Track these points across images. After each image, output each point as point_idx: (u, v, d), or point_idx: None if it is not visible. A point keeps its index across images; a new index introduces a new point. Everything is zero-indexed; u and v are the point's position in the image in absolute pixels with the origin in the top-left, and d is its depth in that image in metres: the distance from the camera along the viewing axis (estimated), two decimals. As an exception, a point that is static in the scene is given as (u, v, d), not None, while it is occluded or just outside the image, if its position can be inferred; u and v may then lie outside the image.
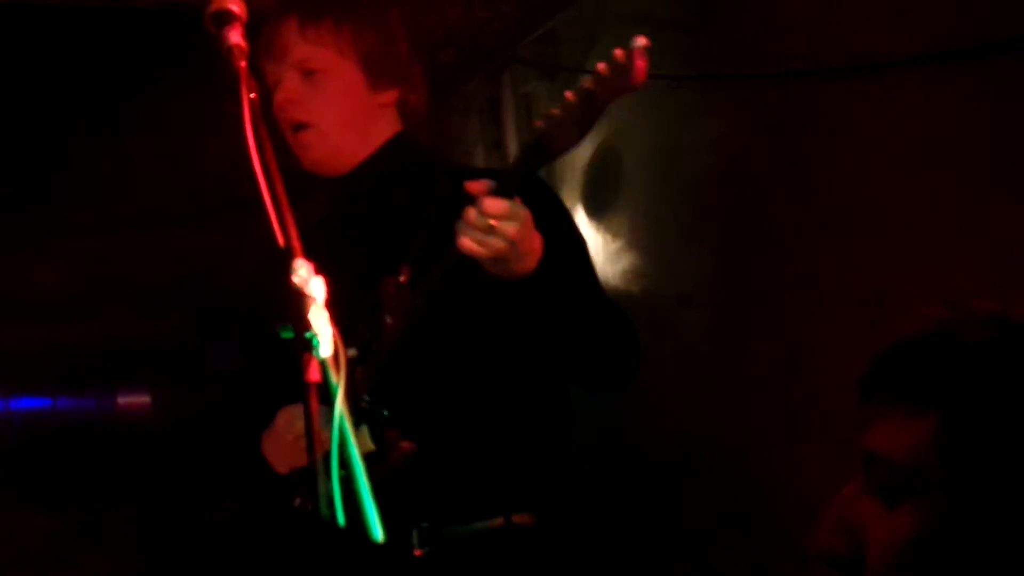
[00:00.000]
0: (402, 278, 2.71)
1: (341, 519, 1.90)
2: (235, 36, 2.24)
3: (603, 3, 4.54)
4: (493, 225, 2.46)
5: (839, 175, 3.70)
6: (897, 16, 3.51)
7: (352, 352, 2.68)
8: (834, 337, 3.57)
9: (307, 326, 1.99)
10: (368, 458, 2.02)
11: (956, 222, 3.31)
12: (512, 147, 5.08)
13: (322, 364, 2.00)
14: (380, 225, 2.90)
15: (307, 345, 1.99)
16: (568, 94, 2.41)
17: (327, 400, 2.08)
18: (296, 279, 2.00)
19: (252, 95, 2.22)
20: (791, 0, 3.87)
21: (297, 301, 2.01)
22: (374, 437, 2.60)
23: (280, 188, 2.11)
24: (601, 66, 2.36)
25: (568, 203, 4.53)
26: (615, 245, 4.67)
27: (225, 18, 2.24)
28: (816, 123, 3.79)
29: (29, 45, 4.70)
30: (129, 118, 4.26)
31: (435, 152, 3.16)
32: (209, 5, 2.27)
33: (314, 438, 1.99)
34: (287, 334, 2.02)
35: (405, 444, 2.59)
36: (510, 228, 2.49)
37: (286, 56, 2.91)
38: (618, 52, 2.34)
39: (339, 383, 2.01)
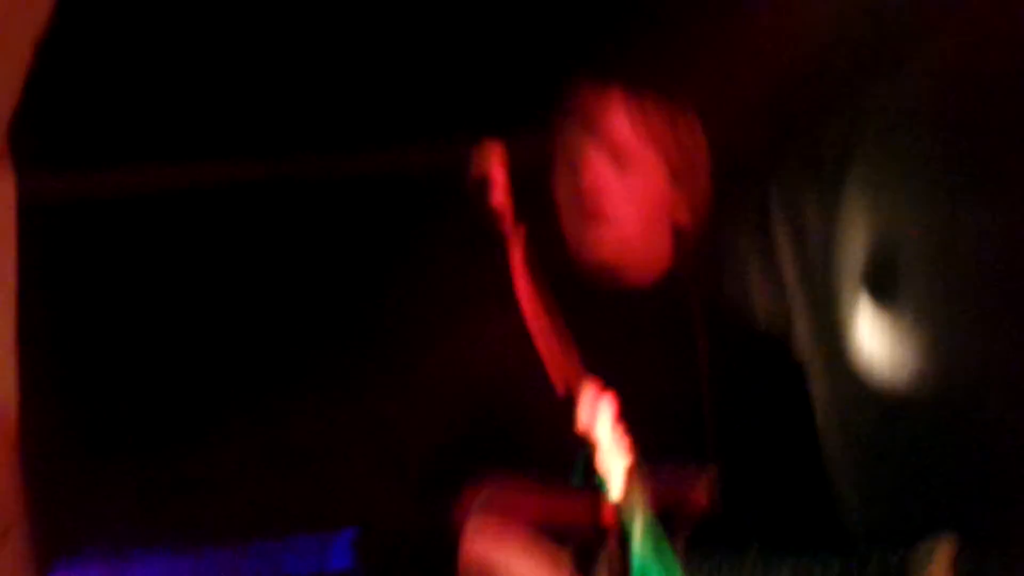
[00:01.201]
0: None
1: None
2: (497, 197, 2.23)
3: (861, 113, 4.57)
4: None
5: None
6: None
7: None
8: None
9: (594, 466, 2.01)
10: None
11: None
12: (787, 258, 5.07)
13: (620, 509, 2.01)
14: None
15: (596, 489, 2.00)
16: None
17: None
18: (582, 415, 2.01)
19: (520, 252, 2.21)
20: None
21: (584, 447, 2.03)
22: None
23: (559, 331, 2.09)
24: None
25: (849, 291, 4.65)
26: (897, 331, 4.63)
27: (485, 183, 2.23)
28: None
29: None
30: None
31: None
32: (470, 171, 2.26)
33: None
34: (577, 481, 2.03)
35: None
36: None
37: (599, 130, 2.59)
38: None
39: (635, 527, 2.02)
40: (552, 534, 2.51)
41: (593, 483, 2.03)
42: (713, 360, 2.53)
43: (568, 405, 2.05)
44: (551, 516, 2.55)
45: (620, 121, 2.57)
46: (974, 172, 4.12)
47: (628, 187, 2.58)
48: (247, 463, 5.56)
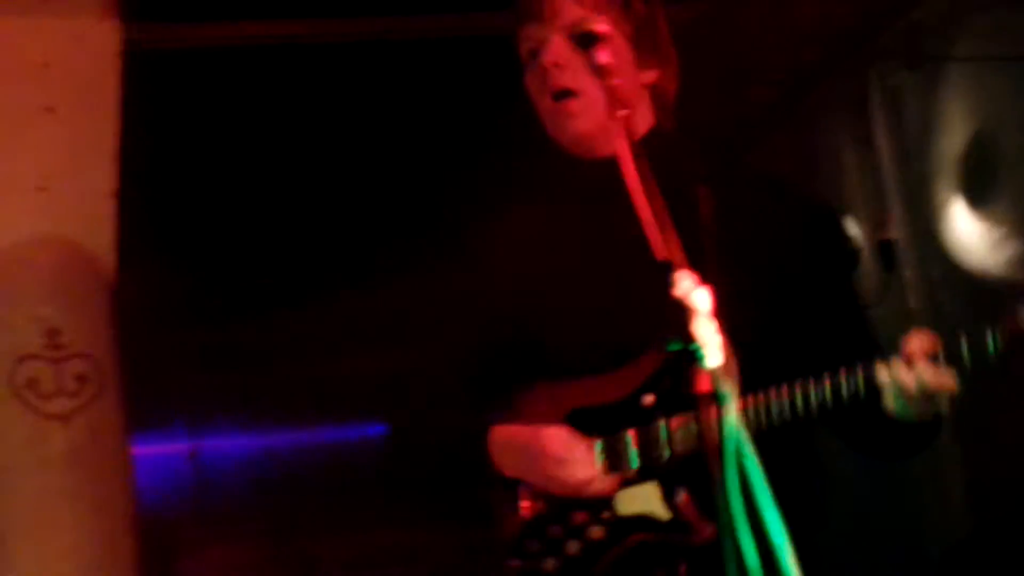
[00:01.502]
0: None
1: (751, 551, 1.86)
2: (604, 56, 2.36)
3: None
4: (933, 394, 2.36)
5: None
6: None
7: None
8: None
9: (691, 337, 1.98)
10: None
11: None
12: (883, 143, 5.01)
13: (714, 375, 1.98)
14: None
15: (693, 357, 1.97)
16: None
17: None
18: (679, 291, 1.99)
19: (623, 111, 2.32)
20: None
21: (681, 313, 1.99)
22: None
23: (658, 200, 2.13)
24: None
25: (943, 192, 4.70)
26: (997, 234, 4.56)
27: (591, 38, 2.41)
28: None
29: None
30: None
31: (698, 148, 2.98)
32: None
33: (715, 451, 1.98)
34: (675, 346, 2.04)
35: None
36: (944, 402, 2.38)
37: (555, 18, 2.73)
38: None
39: (731, 392, 1.98)
40: (584, 425, 2.60)
41: (690, 350, 1.98)
42: (718, 212, 2.55)
43: (666, 272, 2.03)
44: (588, 398, 2.65)
45: (567, 5, 2.70)
46: None
47: (587, 59, 2.64)
48: (305, 345, 5.89)
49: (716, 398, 1.96)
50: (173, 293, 5.44)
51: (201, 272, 5.71)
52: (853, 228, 5.06)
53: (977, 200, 4.60)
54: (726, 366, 1.98)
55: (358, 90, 5.07)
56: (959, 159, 4.65)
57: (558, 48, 2.69)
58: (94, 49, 4.24)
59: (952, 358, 2.32)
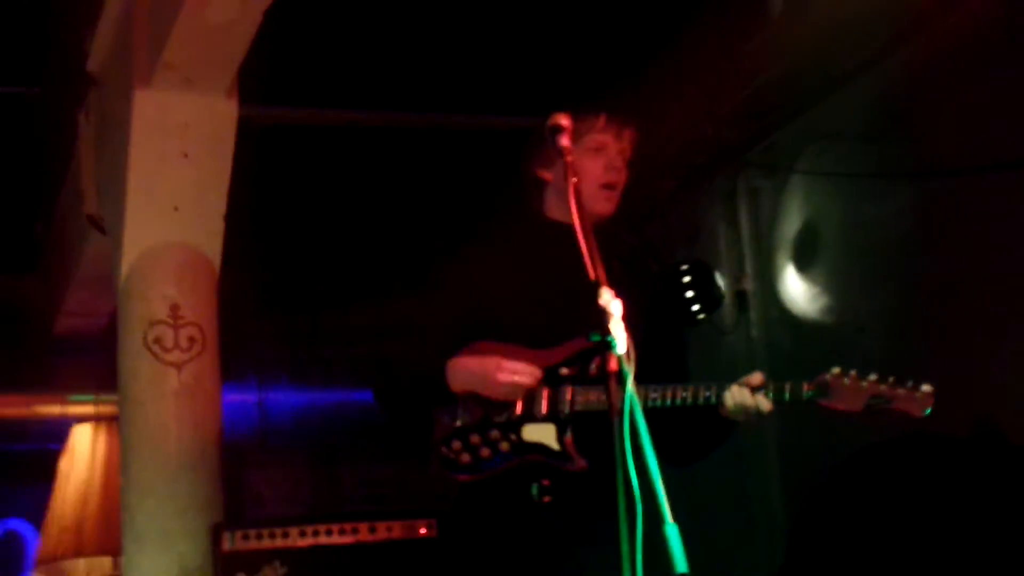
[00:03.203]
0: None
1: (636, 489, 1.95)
2: (564, 140, 2.51)
3: (810, 122, 4.71)
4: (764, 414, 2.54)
5: (998, 238, 3.80)
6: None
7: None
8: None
9: (608, 332, 2.14)
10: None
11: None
12: (744, 228, 5.17)
13: (619, 359, 2.12)
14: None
15: (608, 345, 2.13)
16: (871, 381, 2.49)
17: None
18: (602, 301, 2.18)
19: (574, 180, 2.44)
20: (951, 114, 3.96)
21: (603, 316, 2.16)
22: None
23: (591, 239, 2.29)
24: (902, 391, 2.46)
25: (781, 260, 4.95)
26: (814, 290, 4.82)
27: (557, 129, 2.51)
28: (964, 208, 3.89)
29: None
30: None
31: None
32: (548, 120, 2.51)
33: (617, 409, 2.04)
34: (595, 337, 2.16)
35: None
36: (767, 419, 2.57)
37: (621, 140, 2.90)
38: (926, 388, 2.46)
39: (630, 371, 2.12)
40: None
41: (606, 340, 2.15)
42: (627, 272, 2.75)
43: (595, 288, 2.20)
44: (529, 360, 2.69)
45: (632, 133, 2.91)
46: (876, 177, 4.35)
47: (626, 168, 2.91)
48: (344, 334, 5.99)
49: (620, 374, 2.11)
50: (257, 288, 5.52)
51: (277, 274, 5.82)
52: (720, 280, 5.08)
53: (803, 266, 4.88)
54: (627, 354, 2.14)
55: (393, 161, 5.17)
56: (793, 238, 4.96)
57: (620, 158, 2.89)
58: (219, 117, 4.31)
59: (778, 394, 2.55)
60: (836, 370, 2.55)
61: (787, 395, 2.56)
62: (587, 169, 2.79)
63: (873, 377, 2.50)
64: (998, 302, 3.82)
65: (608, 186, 2.83)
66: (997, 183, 3.79)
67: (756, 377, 2.58)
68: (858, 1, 4.03)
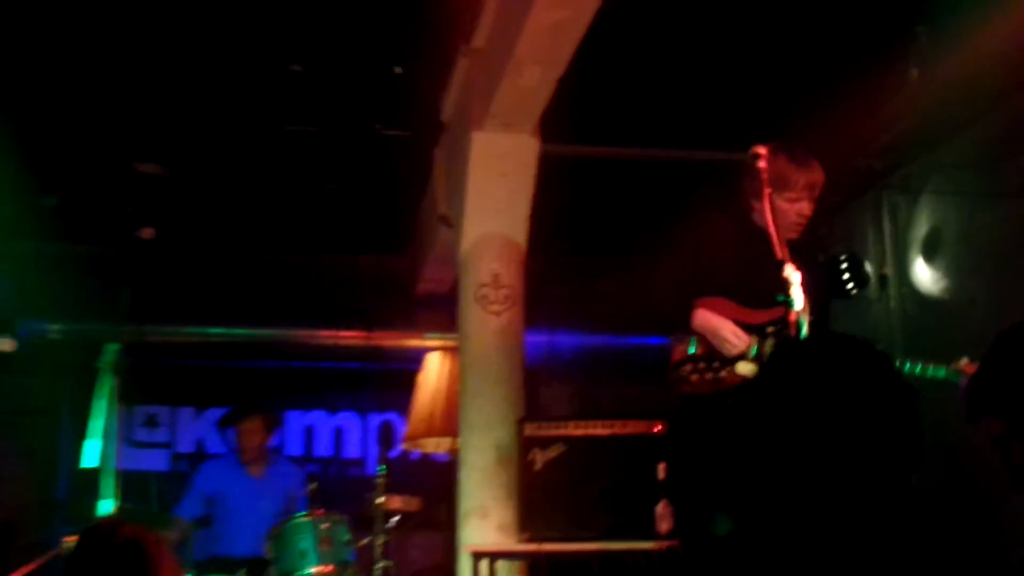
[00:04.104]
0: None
1: None
2: (761, 163, 3.00)
3: (936, 155, 5.19)
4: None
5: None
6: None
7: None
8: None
9: (789, 295, 2.66)
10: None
11: None
12: (886, 231, 5.58)
13: (797, 313, 2.63)
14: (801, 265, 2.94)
15: (789, 303, 2.65)
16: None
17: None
18: (786, 272, 2.72)
19: (768, 190, 2.91)
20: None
21: (786, 284, 2.68)
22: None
23: (783, 241, 2.84)
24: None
25: (913, 254, 5.42)
26: (937, 275, 5.25)
27: (754, 158, 3.01)
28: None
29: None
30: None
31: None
32: (751, 153, 2.97)
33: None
34: (780, 297, 2.64)
35: None
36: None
37: (812, 193, 3.22)
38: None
39: (805, 321, 2.65)
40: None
41: (788, 300, 2.60)
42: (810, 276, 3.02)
43: (781, 264, 2.70)
44: (742, 318, 3.15)
45: (816, 190, 3.25)
46: (984, 196, 4.86)
47: (810, 215, 3.32)
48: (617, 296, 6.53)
49: (798, 323, 2.63)
50: (549, 266, 6.04)
51: (563, 256, 6.65)
52: (868, 267, 5.50)
53: (928, 258, 5.30)
54: (803, 310, 2.63)
55: (643, 181, 5.85)
56: (922, 239, 5.37)
57: (809, 209, 3.23)
58: (526, 149, 4.93)
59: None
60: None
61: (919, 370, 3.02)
62: (784, 211, 3.15)
63: None
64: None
65: (798, 224, 3.24)
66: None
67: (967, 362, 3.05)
68: (972, 69, 4.54)
